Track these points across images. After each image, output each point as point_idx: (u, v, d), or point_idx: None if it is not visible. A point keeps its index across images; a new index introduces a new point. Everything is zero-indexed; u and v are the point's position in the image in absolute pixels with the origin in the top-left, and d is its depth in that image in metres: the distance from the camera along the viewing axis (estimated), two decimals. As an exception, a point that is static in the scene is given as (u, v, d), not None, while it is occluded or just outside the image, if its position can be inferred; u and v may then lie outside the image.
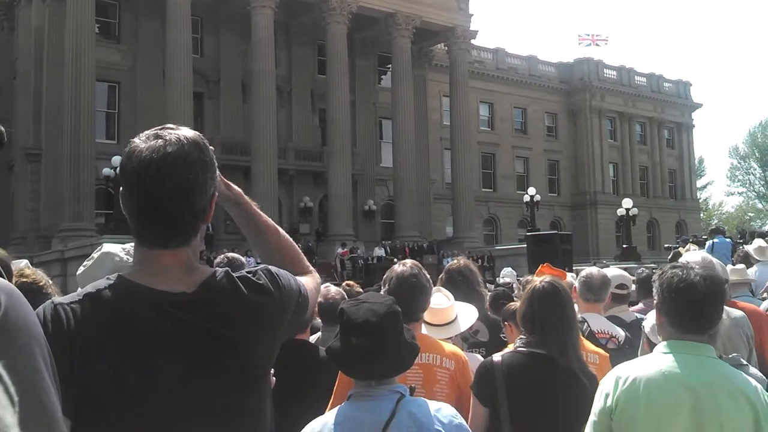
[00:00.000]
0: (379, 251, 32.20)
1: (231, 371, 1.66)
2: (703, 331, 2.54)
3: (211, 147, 1.75)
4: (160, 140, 1.64)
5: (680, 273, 2.54)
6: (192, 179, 1.64)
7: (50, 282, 3.13)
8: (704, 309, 2.52)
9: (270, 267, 1.85)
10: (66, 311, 1.58)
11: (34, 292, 2.95)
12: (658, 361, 2.51)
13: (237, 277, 1.74)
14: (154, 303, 1.61)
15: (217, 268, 1.79)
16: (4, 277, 2.66)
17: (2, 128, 1.62)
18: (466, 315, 3.90)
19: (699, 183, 75.37)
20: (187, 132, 1.70)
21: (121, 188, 1.68)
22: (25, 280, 2.96)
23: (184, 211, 1.65)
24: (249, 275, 1.78)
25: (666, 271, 2.61)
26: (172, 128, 1.71)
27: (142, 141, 1.65)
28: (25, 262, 3.37)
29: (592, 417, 2.60)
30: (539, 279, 3.44)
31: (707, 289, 2.49)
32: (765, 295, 6.67)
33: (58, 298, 1.65)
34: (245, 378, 1.70)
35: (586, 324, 4.55)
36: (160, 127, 1.71)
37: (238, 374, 1.68)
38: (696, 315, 2.52)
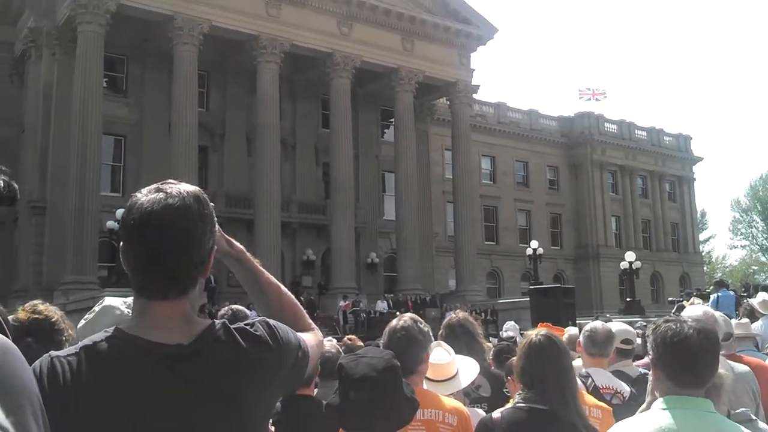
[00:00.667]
0: (381, 305, 32.02)
1: (226, 424, 1.66)
2: (699, 385, 2.53)
3: (211, 203, 1.78)
4: (161, 193, 1.68)
5: (674, 327, 2.54)
6: (192, 231, 1.67)
7: (64, 316, 3.12)
8: (699, 362, 2.51)
9: (269, 320, 1.85)
10: (62, 364, 1.59)
11: (46, 329, 2.95)
12: (657, 418, 2.49)
13: (235, 328, 1.75)
14: (149, 354, 1.62)
15: (215, 320, 1.80)
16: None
17: (15, 185, 1.64)
18: (468, 370, 3.86)
19: (702, 236, 75.41)
20: (187, 186, 1.74)
21: (121, 242, 1.70)
22: (37, 317, 2.96)
23: (183, 262, 1.67)
24: (247, 327, 1.78)
25: (660, 326, 2.60)
26: (173, 183, 1.75)
27: (143, 195, 1.69)
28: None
29: None
30: (534, 332, 3.40)
31: (701, 342, 2.48)
32: (770, 349, 6.61)
33: (54, 352, 1.66)
34: (241, 431, 1.70)
35: (590, 379, 4.50)
36: (161, 182, 1.75)
37: (233, 427, 1.67)
38: (691, 368, 2.50)
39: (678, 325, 2.54)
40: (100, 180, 30.48)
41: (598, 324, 4.97)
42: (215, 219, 1.79)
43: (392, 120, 40.24)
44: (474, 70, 41.74)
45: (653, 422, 2.48)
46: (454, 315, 4.75)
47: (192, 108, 31.34)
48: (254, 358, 1.73)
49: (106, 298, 2.69)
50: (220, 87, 37.07)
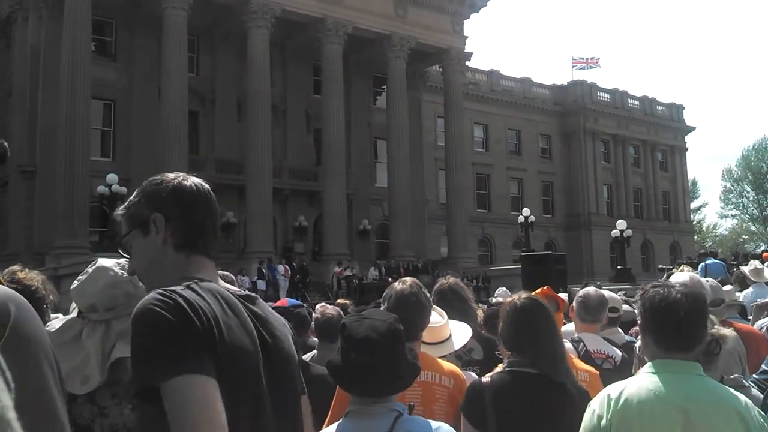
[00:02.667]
0: (373, 272, 32.09)
1: (284, 366, 1.96)
2: (688, 349, 2.51)
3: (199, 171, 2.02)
4: (197, 178, 2.04)
5: (661, 291, 2.52)
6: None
7: (45, 281, 3.07)
8: (688, 326, 2.49)
9: None
10: (192, 296, 1.77)
11: (27, 297, 2.90)
12: (647, 381, 2.49)
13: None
14: (234, 295, 1.91)
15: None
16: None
17: (5, 144, 1.65)
18: (460, 333, 3.88)
19: (693, 205, 75.71)
20: None
21: (179, 205, 1.95)
22: (16, 286, 2.91)
23: (219, 230, 2.06)
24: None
25: (647, 291, 2.58)
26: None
27: (186, 176, 2.03)
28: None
29: None
30: (516, 296, 3.37)
31: (690, 306, 2.47)
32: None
33: (172, 287, 1.79)
34: (290, 375, 2.00)
35: (582, 344, 4.52)
36: (178, 173, 2.07)
37: (287, 369, 1.97)
38: (680, 333, 2.48)
39: (665, 289, 2.53)
40: (90, 144, 30.27)
41: (591, 290, 4.96)
42: None
43: (384, 87, 39.99)
44: (467, 37, 41.46)
45: (645, 385, 2.47)
46: (444, 281, 4.74)
47: (182, 73, 31.02)
48: (286, 324, 2.09)
49: (99, 259, 2.66)
50: (210, 52, 36.68)
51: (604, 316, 4.86)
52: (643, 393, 2.44)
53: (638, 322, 2.66)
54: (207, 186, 2.05)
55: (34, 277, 3.02)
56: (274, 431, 1.85)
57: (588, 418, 2.56)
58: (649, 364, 2.54)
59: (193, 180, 2.03)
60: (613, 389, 2.55)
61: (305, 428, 2.11)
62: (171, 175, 2.03)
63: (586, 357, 4.33)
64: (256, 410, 1.81)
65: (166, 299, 1.73)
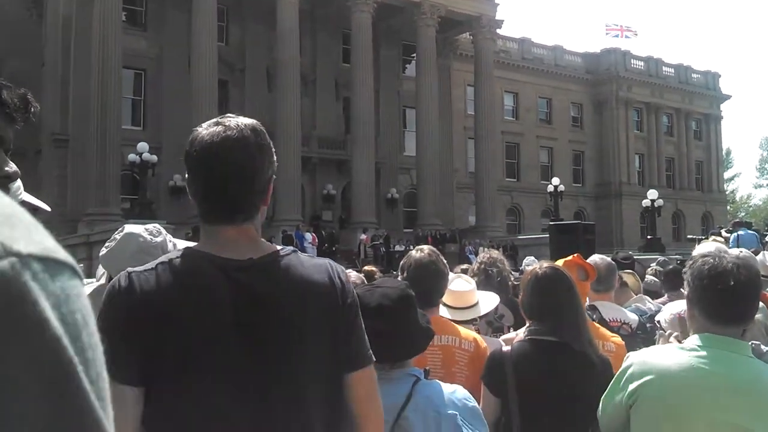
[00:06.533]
0: (399, 248, 31.92)
1: (288, 344, 1.72)
2: (738, 323, 2.37)
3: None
4: (220, 126, 1.77)
5: (712, 261, 2.37)
6: (250, 161, 1.76)
7: None
8: (739, 298, 2.33)
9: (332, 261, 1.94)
10: (140, 278, 1.71)
11: None
12: (692, 356, 2.34)
13: (302, 255, 1.87)
14: (220, 268, 1.72)
15: (284, 246, 1.89)
16: None
17: (36, 105, 1.64)
18: (487, 300, 3.92)
19: (726, 175, 74.32)
20: (245, 119, 1.82)
21: (186, 174, 1.79)
22: None
23: (245, 191, 1.76)
24: (316, 258, 1.90)
25: (697, 260, 2.44)
26: (231, 116, 1.83)
27: (203, 128, 1.78)
28: None
29: (609, 404, 2.50)
30: (538, 266, 3.34)
31: (742, 276, 2.31)
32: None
33: (132, 268, 1.75)
34: (291, 352, 1.73)
35: (597, 312, 4.50)
36: (220, 116, 1.84)
37: (285, 346, 1.72)
38: (731, 304, 2.33)
39: (716, 259, 2.38)
40: (122, 113, 30.56)
41: (596, 258, 4.84)
42: (273, 150, 1.87)
43: (414, 55, 39.65)
44: (498, 4, 40.81)
45: (683, 358, 2.35)
46: (487, 254, 4.80)
47: (211, 42, 31.08)
48: (320, 284, 1.81)
49: (126, 226, 2.69)
50: (240, 21, 36.63)
51: (614, 282, 4.85)
52: (685, 367, 2.32)
53: (685, 293, 2.52)
54: (225, 136, 1.74)
55: None
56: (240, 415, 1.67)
57: (616, 383, 2.48)
58: (695, 337, 2.39)
59: (212, 131, 1.75)
60: (651, 356, 2.44)
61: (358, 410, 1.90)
62: (203, 125, 1.80)
63: (602, 324, 4.32)
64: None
65: (115, 284, 1.72)
